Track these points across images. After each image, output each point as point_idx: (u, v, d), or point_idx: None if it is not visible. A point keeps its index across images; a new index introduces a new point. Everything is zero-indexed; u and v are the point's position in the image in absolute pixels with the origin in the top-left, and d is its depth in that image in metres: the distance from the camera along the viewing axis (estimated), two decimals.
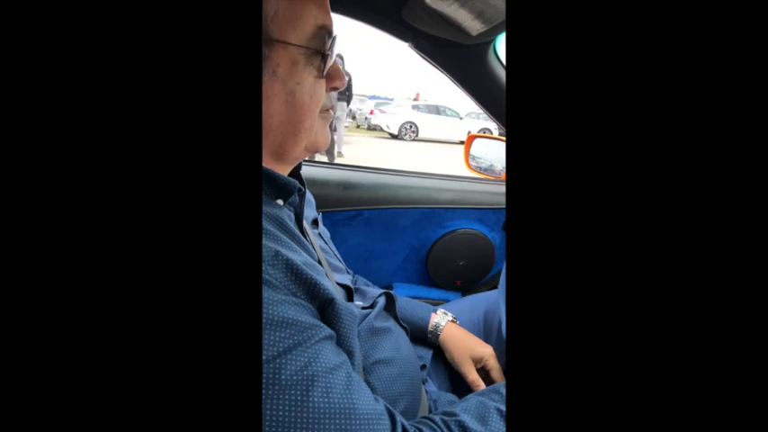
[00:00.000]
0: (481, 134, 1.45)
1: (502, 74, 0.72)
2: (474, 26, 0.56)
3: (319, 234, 0.59)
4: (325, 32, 0.39)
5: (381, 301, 0.60)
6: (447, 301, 1.01)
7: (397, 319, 0.63)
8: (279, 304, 0.32)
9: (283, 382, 0.30)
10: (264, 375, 0.29)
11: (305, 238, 0.46)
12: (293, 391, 0.30)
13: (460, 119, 11.07)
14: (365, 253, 1.03)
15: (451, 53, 0.68)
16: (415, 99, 14.15)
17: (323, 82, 0.41)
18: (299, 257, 0.38)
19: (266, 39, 0.37)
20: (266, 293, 0.32)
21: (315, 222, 0.61)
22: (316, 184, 0.93)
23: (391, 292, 0.63)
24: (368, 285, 0.77)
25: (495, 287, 0.84)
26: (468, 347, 0.66)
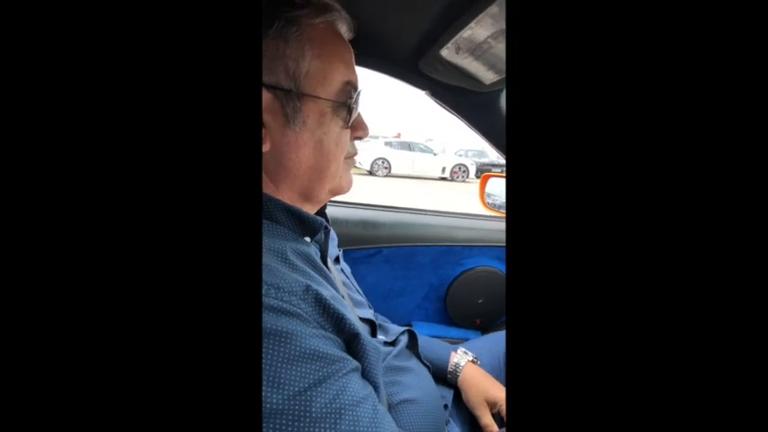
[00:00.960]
0: (495, 173, 1.48)
1: None
2: (487, 77, 0.60)
3: (341, 270, 0.61)
4: (351, 87, 0.44)
5: (404, 338, 0.60)
6: (466, 339, 1.00)
7: (419, 358, 0.63)
8: (309, 338, 0.33)
9: (314, 415, 0.31)
10: (296, 408, 0.31)
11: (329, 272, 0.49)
12: (323, 424, 0.31)
13: (434, 155, 11.19)
14: (385, 291, 1.04)
15: (465, 100, 0.72)
16: (396, 137, 14.29)
17: (348, 131, 0.45)
18: (326, 292, 0.40)
19: (298, 93, 0.41)
20: (298, 327, 0.33)
21: (337, 259, 0.63)
22: (337, 222, 0.96)
23: (413, 329, 0.64)
24: (386, 323, 0.78)
25: None
26: (483, 389, 0.65)
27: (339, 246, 0.93)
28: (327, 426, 0.31)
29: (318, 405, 0.31)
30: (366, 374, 0.39)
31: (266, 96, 0.40)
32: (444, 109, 0.77)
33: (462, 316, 1.08)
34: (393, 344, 0.59)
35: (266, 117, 0.40)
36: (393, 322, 0.81)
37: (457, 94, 0.71)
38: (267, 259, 0.37)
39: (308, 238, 0.46)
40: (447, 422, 0.64)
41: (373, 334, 0.56)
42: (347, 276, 0.63)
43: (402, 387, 0.50)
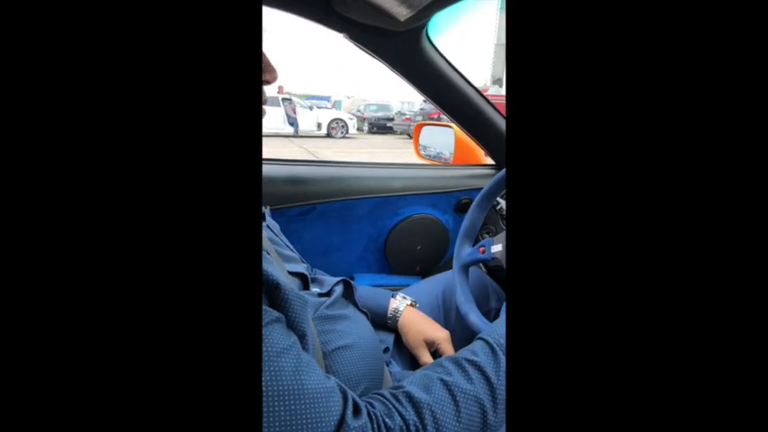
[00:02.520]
0: (428, 122, 1.48)
1: (437, 59, 0.74)
2: (401, 11, 0.57)
3: (267, 226, 0.59)
4: None
5: (339, 288, 0.60)
6: (408, 286, 1.04)
7: (357, 306, 0.64)
8: None
9: None
10: None
11: None
12: None
13: (310, 110, 10.93)
14: (323, 247, 1.03)
15: (385, 41, 0.69)
16: (279, 92, 13.88)
17: None
18: None
19: None
20: None
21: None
22: (265, 181, 0.91)
23: (349, 280, 0.64)
24: (323, 276, 0.78)
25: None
26: (422, 331, 0.68)
27: (268, 204, 0.89)
28: None
29: None
30: (292, 323, 0.38)
31: None
32: (366, 53, 0.73)
33: (402, 264, 1.11)
34: (328, 294, 0.59)
35: None
36: (337, 275, 0.81)
37: (375, 35, 0.68)
38: None
39: None
40: (388, 363, 0.66)
41: (306, 287, 0.55)
42: (275, 233, 0.61)
43: (337, 335, 0.51)
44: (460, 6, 0.60)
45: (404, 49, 0.70)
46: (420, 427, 0.33)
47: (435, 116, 8.76)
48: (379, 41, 0.69)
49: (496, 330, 0.43)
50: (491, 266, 0.72)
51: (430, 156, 1.44)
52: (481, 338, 0.43)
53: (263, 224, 0.58)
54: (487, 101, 0.91)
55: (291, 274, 0.52)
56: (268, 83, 0.44)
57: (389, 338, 0.71)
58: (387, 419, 0.33)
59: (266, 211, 0.67)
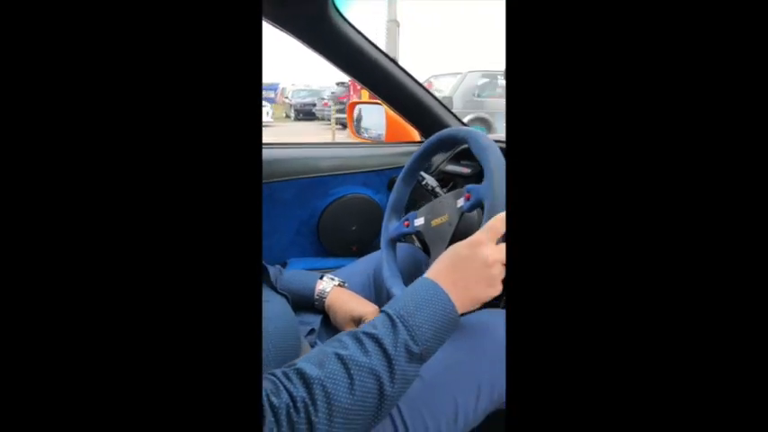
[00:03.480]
0: (361, 100, 1.45)
1: (352, 33, 0.72)
2: None
3: None
4: None
5: None
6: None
7: (274, 289, 0.61)
8: None
9: None
10: None
11: None
12: None
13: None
14: None
15: (290, 15, 0.65)
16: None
17: None
18: None
19: None
20: None
21: None
22: None
23: (266, 266, 0.61)
24: None
25: None
26: (349, 309, 0.67)
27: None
28: None
29: None
30: None
31: None
32: (281, 31, 0.69)
33: (338, 245, 1.09)
34: None
35: None
36: (268, 263, 0.78)
37: (279, 8, 0.63)
38: None
39: None
40: (313, 344, 0.65)
41: None
42: None
43: None
44: None
45: (311, 22, 0.67)
46: (309, 402, 0.32)
47: (345, 99, 8.63)
48: (284, 15, 0.65)
49: (398, 302, 0.42)
50: (423, 240, 0.71)
51: (364, 135, 1.42)
52: (383, 311, 0.42)
53: None
54: (408, 74, 0.90)
55: None
56: None
57: (316, 320, 0.69)
58: (273, 398, 0.31)
59: None
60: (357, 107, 1.40)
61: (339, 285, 0.72)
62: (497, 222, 0.46)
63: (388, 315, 0.41)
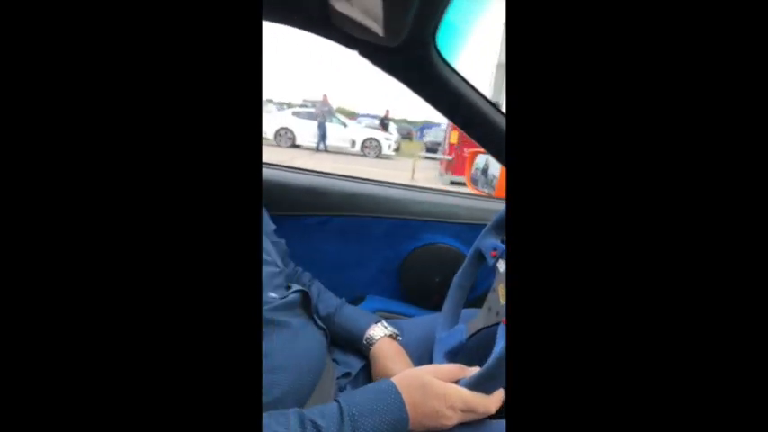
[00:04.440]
0: (480, 150, 1.40)
1: (453, 78, 0.71)
2: (376, 27, 0.55)
3: None
4: None
5: (295, 295, 0.58)
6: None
7: (312, 319, 0.61)
8: None
9: None
10: None
11: None
12: None
13: (344, 126, 10.77)
14: (338, 262, 1.02)
15: (394, 58, 0.67)
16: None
17: None
18: None
19: None
20: None
21: None
22: (279, 186, 0.94)
23: (306, 290, 0.61)
24: (321, 291, 0.76)
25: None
26: (386, 367, 0.62)
27: (283, 210, 0.91)
28: None
29: None
30: None
31: None
32: (381, 70, 0.72)
33: (418, 293, 1.04)
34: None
35: None
36: (347, 294, 0.79)
37: (384, 52, 0.67)
38: None
39: None
40: (343, 388, 0.62)
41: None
42: None
43: (266, 346, 0.49)
44: (469, 22, 0.56)
45: (413, 66, 0.68)
46: None
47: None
48: (388, 58, 0.68)
49: (357, 397, 0.41)
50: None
51: (480, 187, 1.36)
52: (337, 400, 0.41)
53: None
54: None
55: None
56: None
57: (357, 365, 0.66)
58: None
59: (263, 211, 0.68)
60: (482, 157, 1.36)
61: (390, 336, 0.68)
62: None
63: (340, 409, 0.40)
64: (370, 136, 10.92)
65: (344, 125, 11.02)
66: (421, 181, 6.96)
